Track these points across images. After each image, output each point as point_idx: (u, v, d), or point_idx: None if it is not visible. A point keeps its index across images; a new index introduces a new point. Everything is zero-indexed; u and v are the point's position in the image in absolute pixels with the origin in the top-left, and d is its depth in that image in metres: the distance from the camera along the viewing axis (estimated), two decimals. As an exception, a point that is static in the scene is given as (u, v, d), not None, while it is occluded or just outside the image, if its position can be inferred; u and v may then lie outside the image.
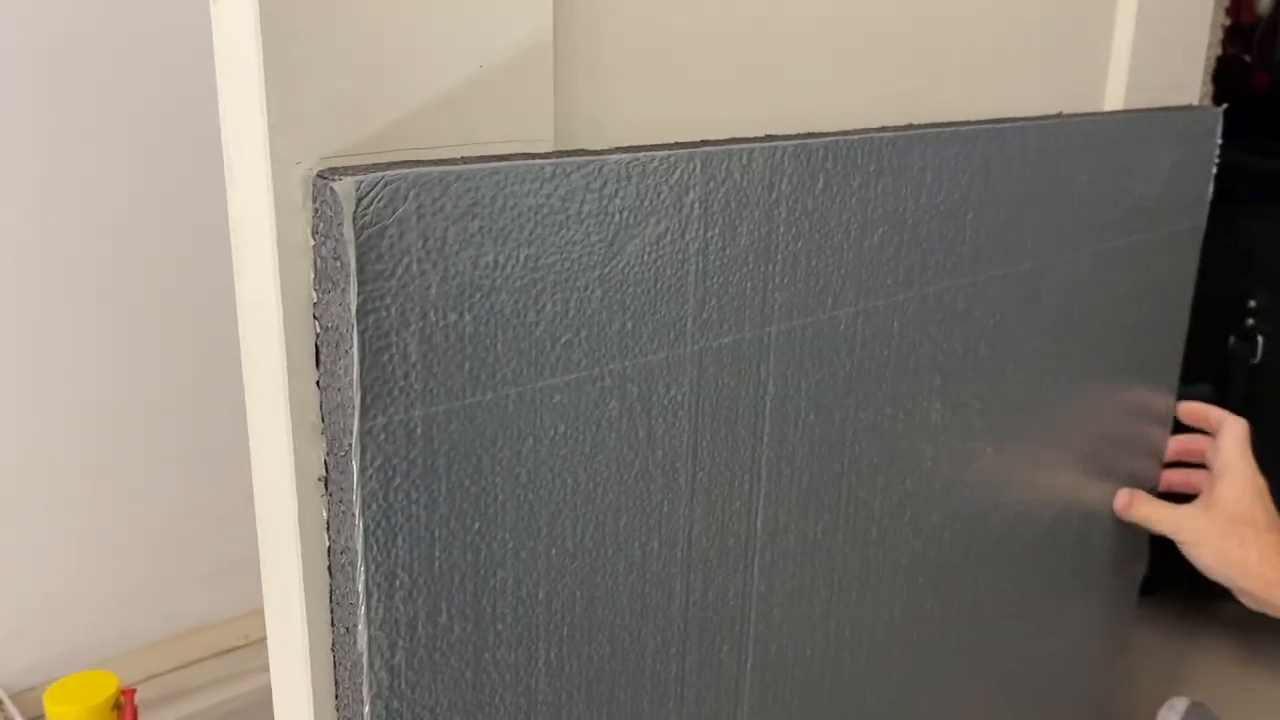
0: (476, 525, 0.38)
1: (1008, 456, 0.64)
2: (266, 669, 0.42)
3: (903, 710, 0.62)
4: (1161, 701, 0.88)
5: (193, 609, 0.97)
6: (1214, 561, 0.71)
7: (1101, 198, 0.65)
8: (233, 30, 0.32)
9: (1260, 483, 0.73)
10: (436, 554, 0.37)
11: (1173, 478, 0.81)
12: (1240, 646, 1.14)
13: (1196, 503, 0.74)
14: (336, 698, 0.38)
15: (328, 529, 0.37)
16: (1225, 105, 0.77)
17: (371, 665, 0.36)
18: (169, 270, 0.86)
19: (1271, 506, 0.72)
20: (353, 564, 0.36)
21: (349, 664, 0.37)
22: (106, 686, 0.82)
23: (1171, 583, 1.26)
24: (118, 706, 0.83)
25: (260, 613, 1.00)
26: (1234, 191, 1.12)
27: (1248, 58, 1.03)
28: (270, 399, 0.36)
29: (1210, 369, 1.09)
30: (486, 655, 0.40)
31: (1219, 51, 0.97)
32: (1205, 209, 0.77)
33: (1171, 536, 0.74)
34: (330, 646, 0.38)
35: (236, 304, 0.36)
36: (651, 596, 0.45)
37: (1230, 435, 0.74)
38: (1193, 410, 0.80)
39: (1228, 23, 0.98)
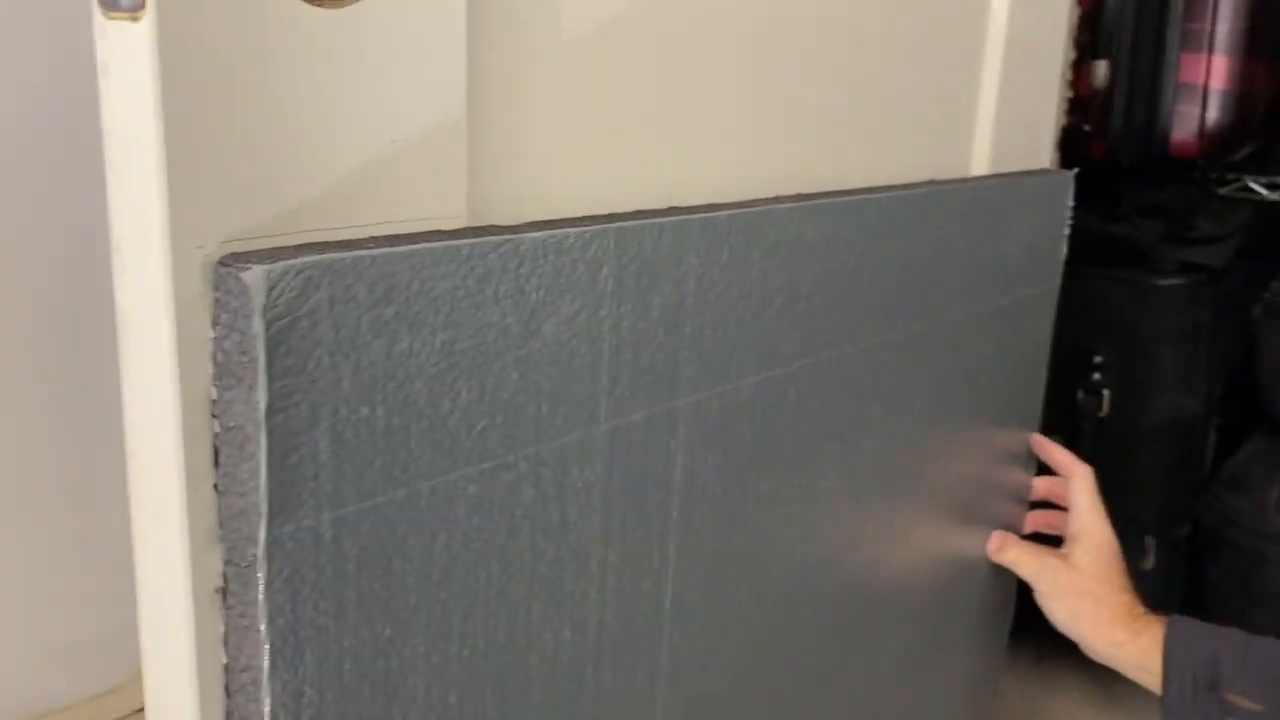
0: (387, 632, 0.36)
1: (897, 514, 0.65)
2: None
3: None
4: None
5: (28, 695, 0.89)
6: (1066, 616, 0.74)
7: (975, 260, 0.67)
8: (127, 104, 0.29)
9: (1115, 544, 0.76)
10: (346, 666, 0.34)
11: (1038, 519, 0.84)
12: (1095, 688, 1.18)
13: (1059, 554, 0.76)
14: (232, 828, 0.35)
15: (225, 644, 0.33)
16: (1076, 170, 0.81)
17: (275, 792, 0.33)
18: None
19: (1124, 567, 0.76)
20: (256, 683, 0.33)
21: (248, 791, 0.34)
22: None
23: (1029, 627, 1.31)
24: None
25: (105, 697, 0.92)
26: (1077, 253, 1.19)
27: (1087, 127, 1.10)
28: (162, 504, 0.32)
29: (1060, 422, 1.14)
30: (397, 768, 0.37)
31: (1063, 121, 1.03)
32: (1060, 268, 0.81)
33: (1031, 584, 0.76)
34: (225, 772, 0.34)
35: (124, 399, 0.33)
36: (562, 687, 0.43)
37: (1081, 489, 0.78)
38: (1042, 445, 0.83)
39: (1070, 94, 1.03)
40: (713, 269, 0.47)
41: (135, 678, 0.97)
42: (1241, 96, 1.12)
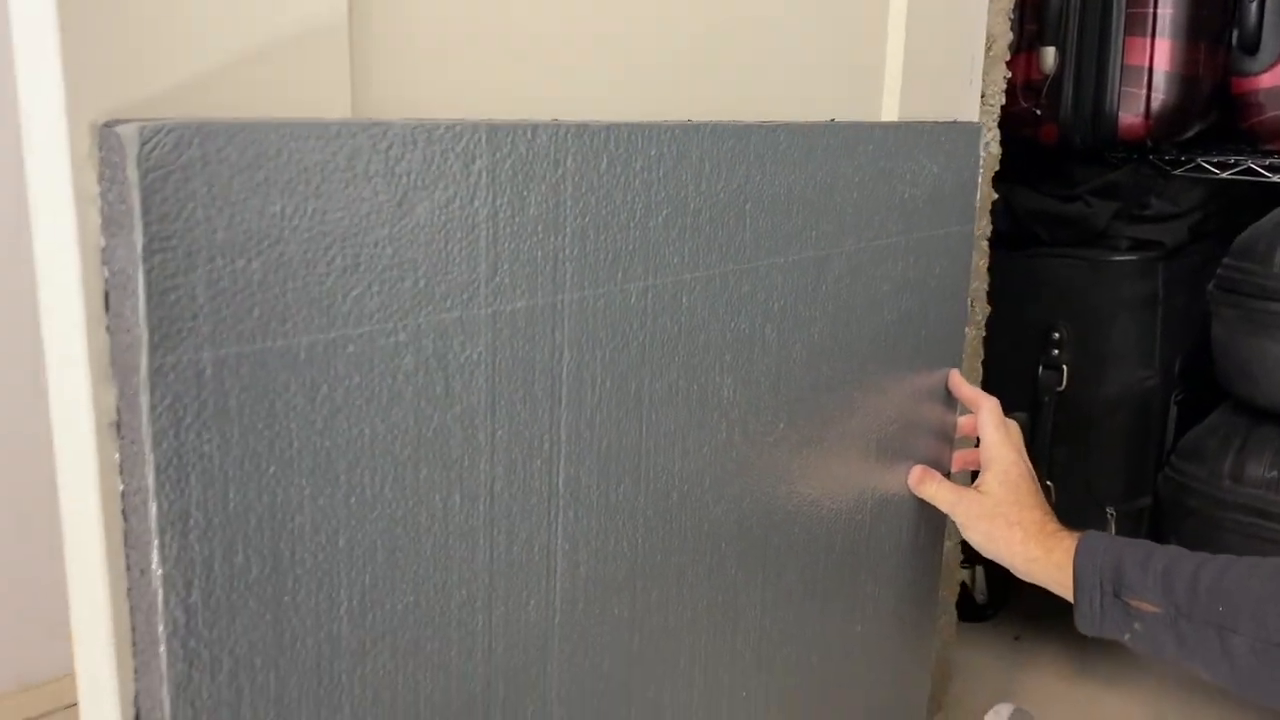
0: (272, 469, 0.40)
1: (801, 433, 0.69)
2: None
3: (709, 675, 0.65)
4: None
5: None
6: (983, 540, 0.77)
7: (874, 197, 0.72)
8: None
9: (1025, 464, 0.79)
10: (231, 495, 0.39)
11: (967, 457, 0.87)
12: (1072, 660, 1.21)
13: (973, 485, 0.80)
14: (134, 644, 0.39)
15: (121, 472, 0.38)
16: (988, 128, 0.86)
17: (167, 604, 0.38)
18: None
19: (1036, 487, 0.79)
20: (145, 503, 0.37)
21: (145, 606, 0.38)
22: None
23: (1007, 607, 1.34)
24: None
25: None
26: (1034, 233, 1.23)
27: (1039, 112, 1.15)
28: (66, 345, 0.37)
29: (1023, 397, 1.19)
30: (286, 599, 0.41)
31: (1003, 101, 1.07)
32: (974, 214, 0.85)
33: (951, 515, 0.80)
34: (127, 592, 0.39)
35: (34, 256, 0.37)
36: (455, 549, 0.48)
37: (987, 421, 0.81)
38: (953, 382, 0.86)
39: (1009, 74, 1.07)
40: (592, 174, 0.51)
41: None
42: (1186, 78, 1.16)
